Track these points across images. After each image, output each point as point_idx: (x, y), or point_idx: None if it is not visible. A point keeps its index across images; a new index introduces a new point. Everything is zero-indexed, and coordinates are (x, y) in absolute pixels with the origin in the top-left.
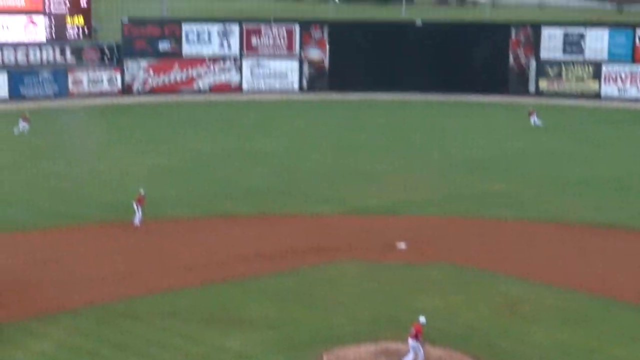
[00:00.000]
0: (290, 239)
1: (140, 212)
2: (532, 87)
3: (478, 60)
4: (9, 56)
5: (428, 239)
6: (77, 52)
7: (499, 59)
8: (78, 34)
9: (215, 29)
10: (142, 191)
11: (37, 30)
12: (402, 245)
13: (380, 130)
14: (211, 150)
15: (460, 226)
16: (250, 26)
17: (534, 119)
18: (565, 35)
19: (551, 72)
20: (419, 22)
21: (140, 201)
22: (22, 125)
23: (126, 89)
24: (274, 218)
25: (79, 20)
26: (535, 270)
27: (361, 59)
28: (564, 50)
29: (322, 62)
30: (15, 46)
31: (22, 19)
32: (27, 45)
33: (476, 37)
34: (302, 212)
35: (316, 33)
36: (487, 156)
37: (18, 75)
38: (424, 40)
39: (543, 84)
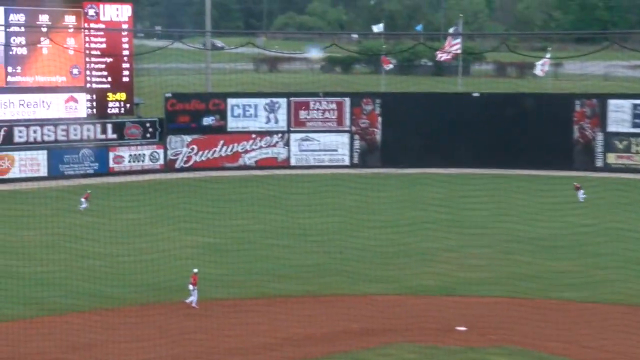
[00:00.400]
0: (341, 321)
1: (196, 293)
2: (599, 162)
3: (540, 133)
4: (49, 133)
5: (489, 322)
6: (119, 128)
7: (562, 132)
8: (120, 110)
9: (261, 102)
10: (195, 270)
11: (78, 106)
12: (461, 327)
13: (437, 207)
14: (257, 228)
15: (524, 308)
16: (298, 99)
17: (580, 194)
18: (634, 107)
19: (620, 145)
20: (476, 93)
21: (195, 281)
22: (83, 202)
23: (168, 165)
24: (324, 298)
25: (121, 96)
26: (607, 357)
27: (415, 132)
28: (633, 123)
29: (374, 136)
30: (55, 123)
31: (64, 96)
32: (67, 122)
33: (538, 109)
34: (354, 292)
35: (367, 106)
36: (552, 233)
37: (57, 153)
38: (482, 112)
39: (611, 158)
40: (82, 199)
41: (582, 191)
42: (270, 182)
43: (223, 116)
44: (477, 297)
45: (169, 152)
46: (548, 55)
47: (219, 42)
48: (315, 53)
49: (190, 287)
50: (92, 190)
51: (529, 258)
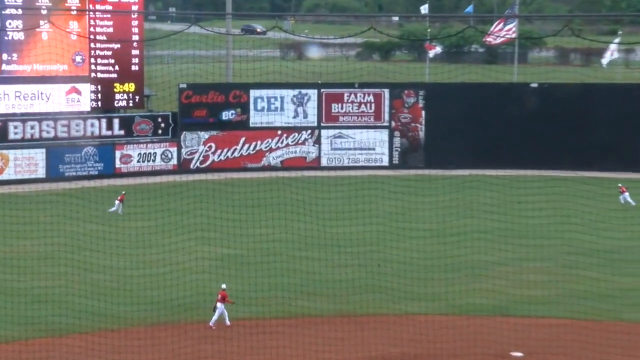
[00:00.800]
0: (379, 345)
1: (220, 312)
2: None
3: (607, 130)
4: (47, 129)
5: (549, 346)
6: (127, 124)
7: (634, 129)
8: (128, 103)
9: (288, 94)
10: (223, 287)
11: (81, 98)
12: (517, 353)
13: (489, 213)
14: (283, 237)
15: (590, 331)
16: (330, 91)
17: (625, 197)
18: None
19: None
20: (534, 84)
21: (224, 298)
22: (117, 205)
23: (183, 166)
24: (359, 319)
25: (129, 87)
26: None
27: (464, 128)
28: None
29: (417, 132)
30: (55, 118)
31: (65, 87)
32: (69, 117)
33: (605, 102)
34: (393, 311)
35: (410, 98)
36: (622, 245)
37: (57, 152)
38: (541, 105)
39: None
40: (117, 201)
41: (626, 194)
42: (298, 185)
43: (245, 110)
44: (535, 318)
45: (183, 151)
46: (618, 40)
47: (258, 26)
48: (315, 53)
49: (218, 305)
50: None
51: (595, 273)
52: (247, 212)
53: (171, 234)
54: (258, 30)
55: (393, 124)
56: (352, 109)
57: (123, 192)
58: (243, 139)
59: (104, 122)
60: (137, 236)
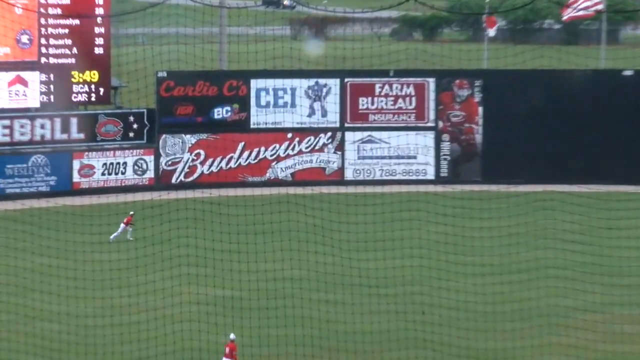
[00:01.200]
0: None
1: None
2: None
3: None
4: None
5: None
6: (88, 124)
7: None
8: (89, 97)
9: (302, 85)
10: (232, 337)
11: (28, 91)
12: None
13: (568, 243)
14: (296, 274)
15: None
16: (357, 81)
17: None
18: None
19: None
20: (628, 71)
21: (232, 351)
22: (122, 228)
23: (162, 180)
24: None
25: (92, 76)
26: None
27: (534, 129)
28: None
29: (472, 135)
30: None
31: (7, 75)
32: (11, 115)
33: None
34: None
35: (463, 90)
36: None
37: None
38: (637, 99)
39: None
40: (122, 225)
41: None
42: (314, 206)
43: (244, 106)
44: None
45: (162, 161)
46: None
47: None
48: (313, 48)
49: None
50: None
51: None
52: (248, 241)
53: (147, 270)
54: (285, 2)
55: (440, 124)
56: (387, 104)
57: (131, 213)
58: (242, 144)
59: (57, 122)
60: (102, 273)
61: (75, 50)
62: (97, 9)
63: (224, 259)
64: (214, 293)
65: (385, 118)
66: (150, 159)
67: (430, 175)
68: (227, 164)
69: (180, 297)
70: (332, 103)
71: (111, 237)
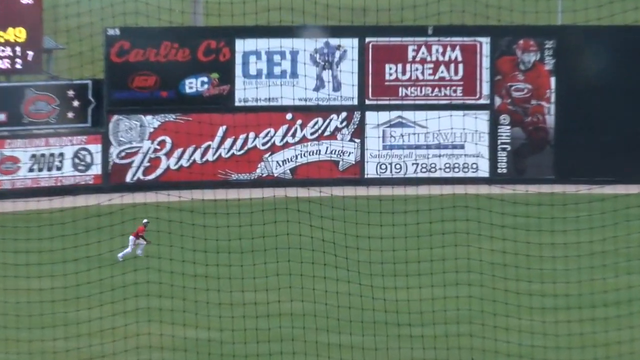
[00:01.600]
0: None
1: None
2: None
3: None
4: None
5: None
6: (11, 102)
7: None
8: (12, 63)
9: (306, 49)
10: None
11: None
12: None
13: None
14: (298, 308)
15: None
16: (380, 41)
17: None
18: None
19: None
20: None
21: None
22: (133, 243)
23: (112, 177)
24: None
25: (17, 34)
26: None
27: (627, 111)
28: None
29: (542, 116)
30: None
31: None
32: None
33: None
34: None
35: (528, 54)
36: None
37: None
38: None
39: None
40: (131, 237)
41: None
42: (323, 214)
43: (227, 76)
44: None
45: (113, 151)
46: None
47: None
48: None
49: None
50: None
51: None
52: (232, 262)
53: (91, 303)
54: None
55: (498, 101)
56: (423, 74)
57: (145, 221)
58: (223, 129)
59: None
60: (29, 306)
61: None
62: None
63: (198, 287)
64: (184, 334)
65: (421, 93)
66: (96, 149)
67: (484, 171)
68: (203, 156)
69: (137, 339)
70: (348, 72)
71: (120, 255)
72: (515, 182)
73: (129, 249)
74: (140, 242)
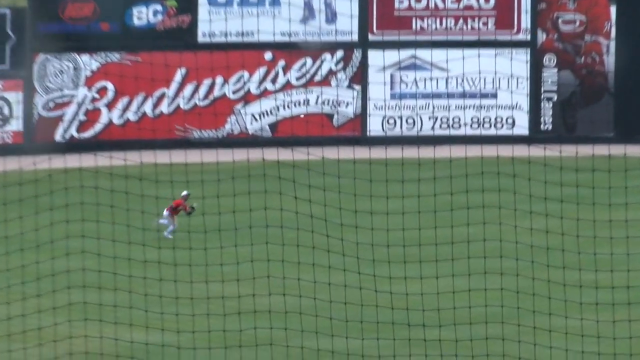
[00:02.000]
0: None
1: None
2: None
3: None
4: None
5: None
6: None
7: None
8: None
9: None
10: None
11: None
12: None
13: None
14: (274, 304)
15: None
16: None
17: None
18: None
19: None
20: None
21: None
22: (167, 217)
23: (38, 135)
24: None
25: None
26: None
27: None
28: None
29: (599, 57)
30: None
31: None
32: None
33: None
34: None
35: None
36: None
37: None
38: None
39: None
40: (165, 212)
41: None
42: (312, 182)
43: (187, 3)
44: None
45: (39, 102)
46: None
47: None
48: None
49: None
50: None
51: None
52: (193, 244)
53: (10, 297)
54: None
55: (543, 36)
56: (444, 1)
57: (184, 194)
58: (182, 72)
59: None
60: None
61: None
62: None
63: (149, 277)
64: (131, 337)
65: (441, 26)
66: (16, 97)
67: (523, 127)
68: (156, 107)
69: (70, 343)
70: (345, 0)
71: (166, 233)
72: (563, 141)
73: (164, 221)
74: (173, 220)
